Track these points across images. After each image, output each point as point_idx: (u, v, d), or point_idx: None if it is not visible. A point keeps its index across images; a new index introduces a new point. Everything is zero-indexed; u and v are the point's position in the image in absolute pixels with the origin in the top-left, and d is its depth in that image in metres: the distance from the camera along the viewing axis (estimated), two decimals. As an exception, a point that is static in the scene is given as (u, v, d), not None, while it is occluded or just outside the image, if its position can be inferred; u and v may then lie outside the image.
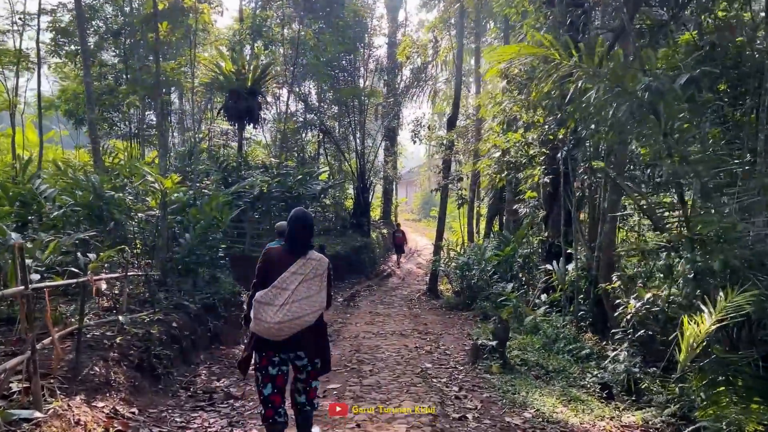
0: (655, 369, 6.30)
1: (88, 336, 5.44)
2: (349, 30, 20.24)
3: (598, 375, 6.45)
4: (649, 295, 6.78)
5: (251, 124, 19.49)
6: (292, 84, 20.86)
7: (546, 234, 11.41)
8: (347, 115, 21.29)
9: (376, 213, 27.91)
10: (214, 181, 14.34)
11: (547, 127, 9.87)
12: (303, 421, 3.82)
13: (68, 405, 4.12)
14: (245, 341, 7.32)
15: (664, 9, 8.35)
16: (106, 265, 6.77)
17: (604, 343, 7.73)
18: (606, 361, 6.71)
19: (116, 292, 6.90)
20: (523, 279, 12.27)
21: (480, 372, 6.74)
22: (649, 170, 8.84)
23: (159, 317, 6.59)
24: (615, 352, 6.57)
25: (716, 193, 6.03)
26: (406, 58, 20.76)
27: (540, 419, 5.04)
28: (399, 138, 29.87)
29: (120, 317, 5.75)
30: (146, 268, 7.67)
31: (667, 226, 6.93)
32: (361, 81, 22.80)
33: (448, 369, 6.95)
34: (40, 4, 15.38)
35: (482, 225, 21.32)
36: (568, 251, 9.84)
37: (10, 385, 3.99)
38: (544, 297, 10.16)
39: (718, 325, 4.75)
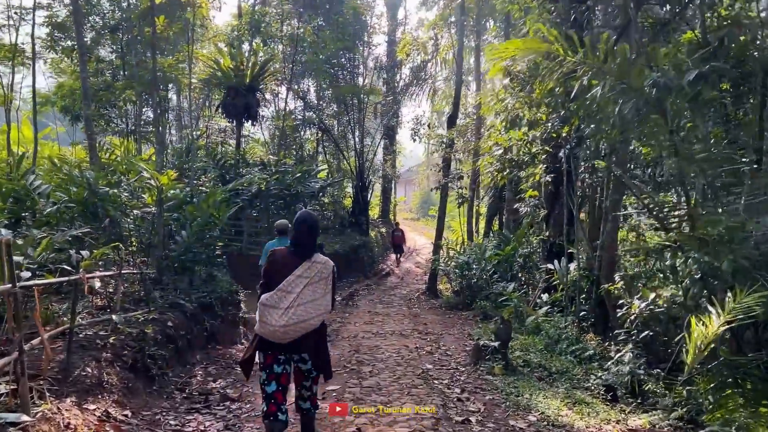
0: (659, 370, 6.20)
1: (81, 336, 5.29)
2: (348, 27, 20.10)
3: (602, 377, 6.33)
4: (653, 295, 6.67)
5: (249, 122, 19.35)
6: (291, 81, 20.72)
7: (547, 233, 11.30)
8: (346, 113, 21.14)
9: (374, 212, 27.80)
10: (211, 179, 14.22)
11: (550, 124, 9.75)
12: (306, 423, 3.86)
13: (58, 408, 3.98)
14: (248, 342, 7.17)
15: (668, 7, 8.25)
16: (100, 263, 6.63)
17: (606, 343, 7.63)
18: (609, 363, 6.60)
19: (111, 290, 6.76)
20: (523, 279, 12.17)
21: (482, 373, 6.61)
22: (649, 169, 8.76)
23: (154, 316, 6.44)
24: (619, 354, 6.45)
25: (723, 192, 5.93)
26: (406, 56, 20.63)
27: (545, 423, 4.92)
28: (398, 136, 29.80)
29: (113, 316, 5.60)
30: (142, 266, 7.53)
31: (673, 225, 6.82)
32: (361, 79, 22.67)
33: (449, 370, 6.82)
34: (35, -2, 15.23)
35: (481, 224, 21.21)
36: (570, 251, 9.73)
37: (-3, 387, 3.85)
38: (545, 297, 10.04)
39: (727, 327, 4.64)
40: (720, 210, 5.72)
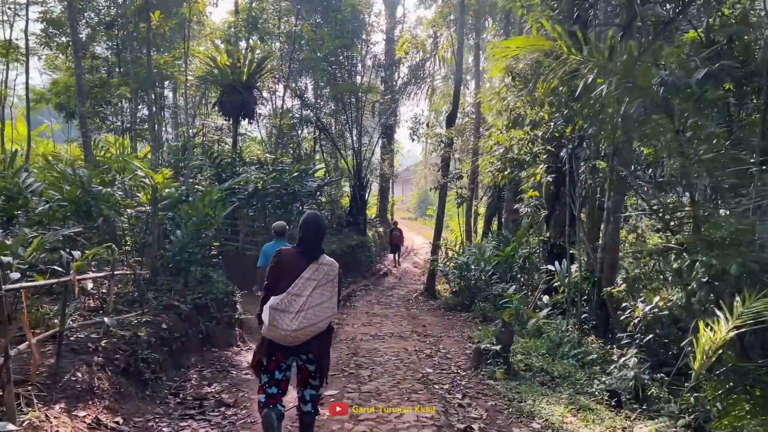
0: (663, 375, 6.09)
1: (71, 339, 5.12)
2: (347, 24, 19.92)
3: (606, 381, 6.21)
4: (657, 298, 6.56)
5: (246, 120, 19.09)
6: (289, 79, 20.52)
7: (548, 234, 11.18)
8: (344, 112, 20.97)
9: (372, 211, 27.64)
10: (207, 177, 14.03)
11: (552, 124, 9.62)
12: (307, 425, 3.83)
13: (46, 415, 3.83)
14: (244, 344, 6.97)
15: (671, 5, 8.13)
16: (93, 263, 6.46)
17: (608, 347, 7.51)
18: (612, 367, 6.48)
19: (103, 291, 6.60)
20: (522, 280, 12.06)
21: (483, 378, 6.48)
22: (650, 170, 8.65)
23: (147, 318, 6.27)
24: (623, 358, 6.33)
25: (729, 194, 5.81)
26: (405, 54, 20.48)
27: (549, 430, 4.79)
28: (396, 136, 29.62)
29: (105, 319, 5.42)
30: (135, 267, 7.37)
31: (677, 227, 6.71)
32: (359, 77, 22.48)
33: (450, 374, 6.68)
34: (30, -7, 15.02)
35: (480, 224, 21.10)
36: (571, 252, 9.61)
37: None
38: (546, 299, 9.93)
39: (736, 332, 4.53)
40: (727, 212, 5.61)
